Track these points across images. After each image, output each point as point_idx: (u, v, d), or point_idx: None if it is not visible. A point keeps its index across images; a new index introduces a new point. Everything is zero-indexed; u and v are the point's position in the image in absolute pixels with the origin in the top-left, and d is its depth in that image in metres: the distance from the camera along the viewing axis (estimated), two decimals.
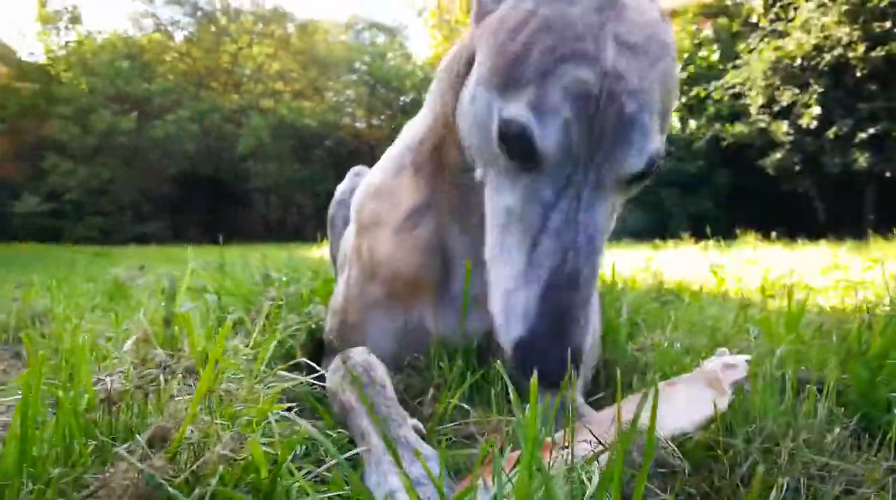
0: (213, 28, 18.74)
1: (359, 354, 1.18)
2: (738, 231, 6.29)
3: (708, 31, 12.01)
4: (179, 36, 19.39)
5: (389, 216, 1.38)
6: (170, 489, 0.57)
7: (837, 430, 0.85)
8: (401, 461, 0.79)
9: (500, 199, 1.03)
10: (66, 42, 17.05)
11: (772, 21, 10.41)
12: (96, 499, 0.58)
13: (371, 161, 2.49)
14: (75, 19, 17.00)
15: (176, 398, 0.87)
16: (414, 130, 1.42)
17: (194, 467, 0.61)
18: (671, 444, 0.79)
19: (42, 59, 16.92)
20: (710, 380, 0.92)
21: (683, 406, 0.89)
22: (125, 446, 0.64)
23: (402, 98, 18.48)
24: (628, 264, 4.27)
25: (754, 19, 10.92)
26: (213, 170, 17.56)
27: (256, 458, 0.59)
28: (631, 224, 12.14)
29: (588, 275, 0.95)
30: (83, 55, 16.74)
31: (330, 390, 1.13)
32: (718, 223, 7.84)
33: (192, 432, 0.65)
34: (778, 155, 9.98)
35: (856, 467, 0.80)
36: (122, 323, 1.48)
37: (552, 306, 0.92)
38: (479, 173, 1.08)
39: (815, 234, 6.81)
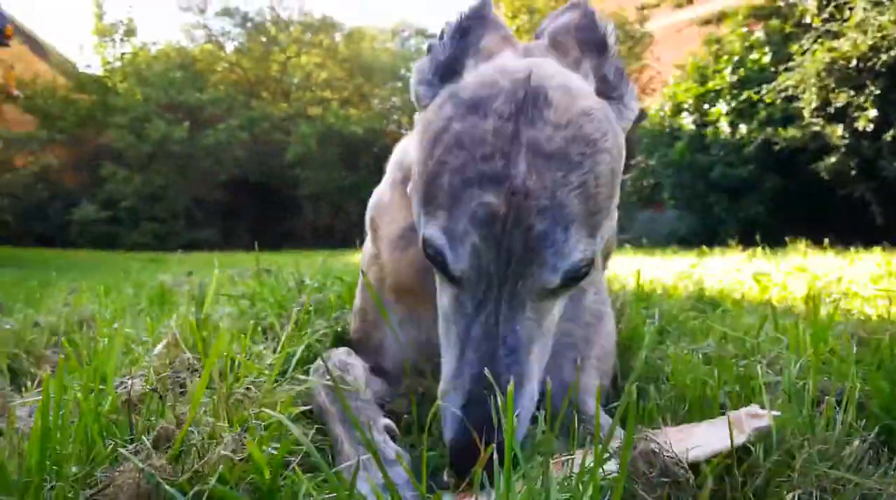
0: (262, 38, 19.16)
1: (337, 354, 1.22)
2: (787, 238, 6.12)
3: (759, 34, 11.72)
4: (230, 46, 19.88)
5: (388, 230, 1.43)
6: (167, 487, 0.59)
7: (856, 443, 0.83)
8: (365, 465, 0.85)
9: (442, 299, 1.06)
10: (122, 54, 17.62)
11: (825, 21, 10.12)
12: (104, 496, 0.61)
13: None
14: (130, 32, 17.58)
15: (199, 400, 0.90)
16: (403, 144, 1.44)
17: (197, 466, 0.63)
18: (678, 455, 0.78)
19: (99, 71, 17.52)
20: (731, 423, 0.89)
21: (700, 441, 0.87)
22: (132, 446, 0.67)
23: None
24: (672, 272, 4.20)
25: (807, 20, 10.62)
26: (263, 177, 17.90)
27: (256, 457, 0.61)
28: (680, 230, 11.94)
29: (511, 382, 0.92)
30: (138, 66, 17.29)
31: (311, 392, 1.15)
32: (768, 229, 7.64)
33: (193, 433, 0.67)
34: (832, 159, 9.67)
35: (871, 481, 0.77)
36: (157, 327, 1.52)
37: (474, 417, 0.92)
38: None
39: (870, 240, 6.57)
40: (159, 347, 1.10)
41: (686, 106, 12.03)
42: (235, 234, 17.63)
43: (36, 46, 17.29)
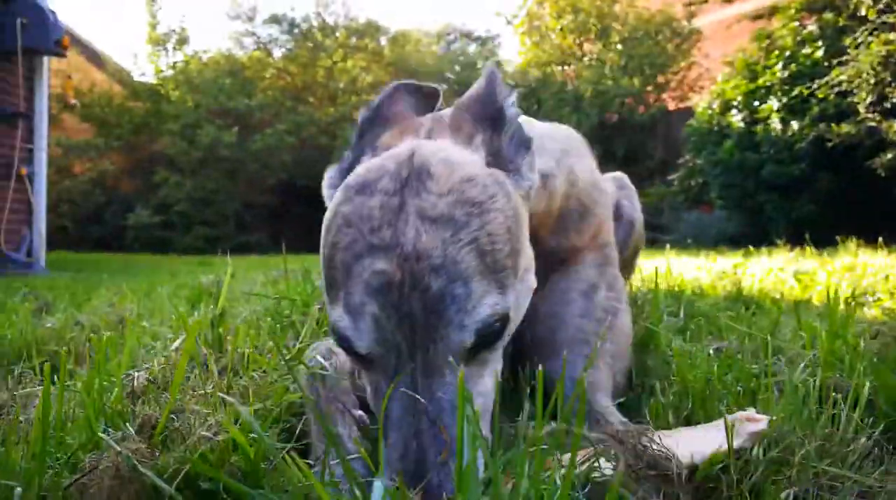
0: (309, 44, 19.44)
1: (324, 344, 1.24)
2: (839, 237, 5.93)
3: (812, 27, 11.37)
4: (278, 53, 20.23)
5: None
6: (143, 469, 0.61)
7: (863, 440, 0.80)
8: (328, 458, 0.85)
9: (363, 381, 1.05)
10: (174, 62, 18.08)
11: (881, 13, 9.76)
12: (88, 479, 0.63)
13: None
14: (182, 41, 18.04)
15: (197, 391, 0.92)
16: None
17: (179, 451, 0.65)
18: (665, 445, 0.77)
19: (153, 80, 18.02)
20: (728, 427, 0.88)
21: (693, 446, 0.85)
22: (119, 433, 0.69)
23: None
24: (714, 272, 4.12)
25: (862, 12, 10.27)
26: (310, 180, 18.10)
27: (233, 435, 0.62)
28: (728, 230, 11.67)
29: (439, 453, 0.91)
30: (189, 74, 17.72)
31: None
32: (820, 229, 7.41)
33: (174, 419, 0.69)
34: (889, 155, 9.32)
35: (870, 478, 0.75)
36: (181, 325, 1.57)
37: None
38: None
39: None
40: (177, 342, 1.14)
41: (735, 103, 11.74)
42: (284, 237, 17.90)
43: (93, 56, 17.91)
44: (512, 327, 1.07)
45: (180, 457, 0.63)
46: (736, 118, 11.57)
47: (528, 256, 1.13)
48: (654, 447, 0.77)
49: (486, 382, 1.03)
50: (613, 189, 2.52)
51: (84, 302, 2.83)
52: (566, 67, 17.99)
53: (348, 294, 0.99)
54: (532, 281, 1.13)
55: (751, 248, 5.77)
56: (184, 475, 0.62)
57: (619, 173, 2.69)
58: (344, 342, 1.00)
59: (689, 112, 13.92)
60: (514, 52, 25.20)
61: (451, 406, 0.94)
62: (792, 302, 2.72)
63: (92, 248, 15.23)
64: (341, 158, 1.28)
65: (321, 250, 1.11)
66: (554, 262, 1.40)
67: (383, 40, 19.96)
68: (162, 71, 18.13)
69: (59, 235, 14.66)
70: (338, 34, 19.69)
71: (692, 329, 1.73)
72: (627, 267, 2.53)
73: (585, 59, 17.70)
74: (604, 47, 17.16)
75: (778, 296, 2.80)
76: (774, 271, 4.01)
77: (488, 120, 1.21)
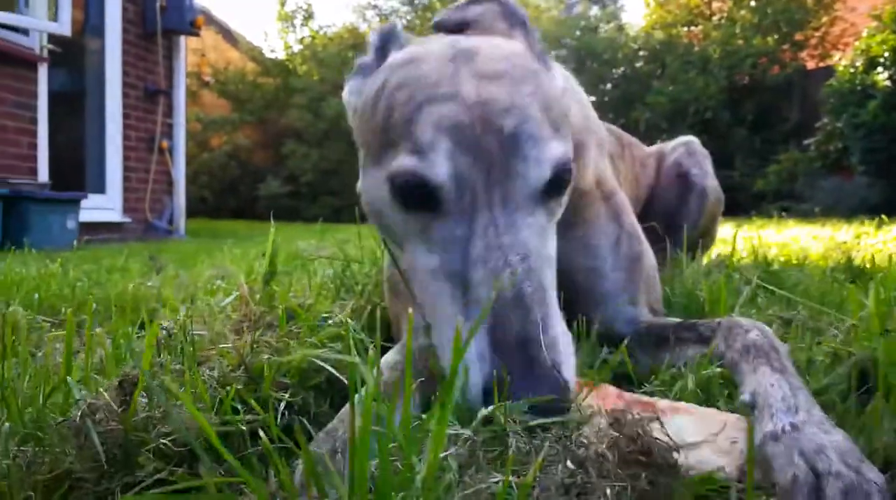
0: (428, 15, 19.58)
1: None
2: None
3: None
4: (399, 25, 20.49)
5: None
6: (93, 430, 0.71)
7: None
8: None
9: (421, 267, 0.97)
10: (301, 38, 18.78)
11: None
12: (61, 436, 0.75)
13: None
14: (309, 16, 18.71)
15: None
16: None
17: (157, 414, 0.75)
18: (669, 438, 0.75)
19: (282, 56, 18.82)
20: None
21: (687, 434, 0.82)
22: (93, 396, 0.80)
23: (614, 71, 17.94)
24: (835, 242, 3.88)
25: None
26: None
27: (187, 407, 0.69)
28: (870, 199, 10.79)
29: (534, 295, 0.87)
30: (315, 49, 18.34)
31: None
32: None
33: (153, 381, 0.79)
34: None
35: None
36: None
37: (505, 337, 0.83)
38: (402, 260, 1.04)
39: None
40: (229, 299, 1.26)
41: (882, 60, 10.75)
42: None
43: (228, 36, 18.94)
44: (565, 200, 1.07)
45: (151, 419, 0.74)
46: (882, 76, 10.61)
47: (568, 130, 1.13)
48: (655, 434, 0.74)
49: (552, 240, 1.02)
50: (677, 156, 2.43)
51: (198, 263, 3.09)
52: (693, 28, 17.10)
53: (415, 138, 0.96)
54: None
55: (884, 217, 5.34)
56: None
57: (688, 138, 2.61)
58: (407, 184, 0.95)
59: (829, 71, 12.88)
60: (636, 16, 24.19)
61: (536, 251, 0.92)
62: None
63: (229, 216, 16.26)
64: (360, 66, 1.27)
65: (362, 125, 1.10)
66: (568, 209, 1.37)
67: None
68: (290, 47, 18.89)
69: (199, 204, 15.79)
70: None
71: (760, 300, 1.68)
72: (705, 236, 2.46)
73: (714, 18, 16.74)
74: (735, 5, 16.14)
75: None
76: None
77: (518, 23, 1.27)
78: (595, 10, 19.55)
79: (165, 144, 8.43)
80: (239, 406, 0.84)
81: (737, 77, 15.29)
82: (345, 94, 1.30)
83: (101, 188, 7.53)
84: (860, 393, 0.90)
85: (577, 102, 1.50)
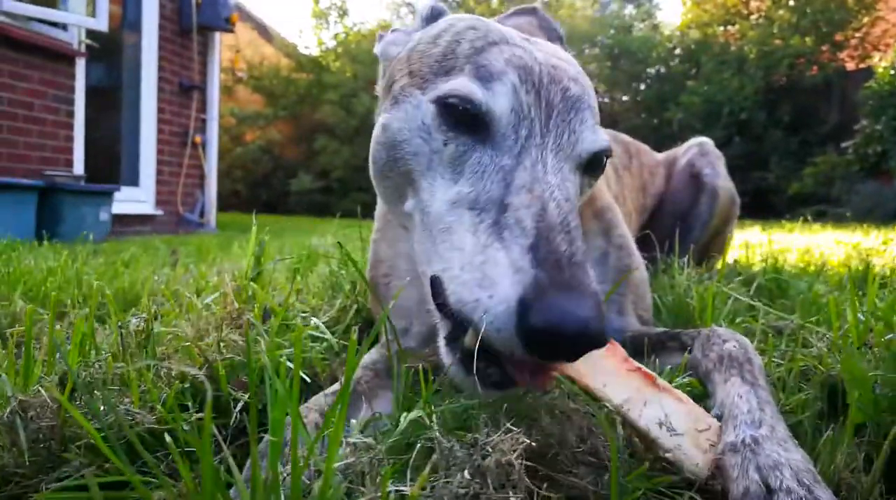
0: (462, 12, 19.56)
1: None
2: None
3: None
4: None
5: None
6: (21, 428, 0.74)
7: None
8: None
9: (439, 198, 0.91)
10: (335, 34, 18.92)
11: None
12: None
13: None
14: (343, 13, 18.84)
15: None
16: None
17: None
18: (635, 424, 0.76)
19: (315, 52, 18.99)
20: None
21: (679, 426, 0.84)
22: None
23: (648, 70, 17.75)
24: (860, 249, 3.80)
25: None
26: None
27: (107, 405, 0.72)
28: None
29: (579, 232, 0.82)
30: (348, 45, 18.46)
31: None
32: None
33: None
34: None
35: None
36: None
37: (550, 255, 0.75)
38: (407, 205, 0.99)
39: None
40: (213, 296, 1.29)
41: None
42: None
43: (263, 32, 19.18)
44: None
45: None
46: None
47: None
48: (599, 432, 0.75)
49: (578, 205, 0.99)
50: (690, 156, 2.41)
51: (215, 257, 3.15)
52: (729, 27, 16.84)
53: (482, 65, 0.94)
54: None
55: None
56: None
57: (702, 139, 2.58)
58: (463, 107, 0.91)
59: (869, 73, 12.58)
60: (671, 14, 23.87)
61: (574, 201, 0.89)
62: None
63: (260, 210, 16.40)
64: (400, 31, 1.26)
65: (410, 58, 1.05)
66: None
67: (537, 5, 19.67)
68: (324, 43, 19.06)
69: (232, 198, 16.02)
70: (493, 1, 19.63)
71: (759, 307, 1.67)
72: (717, 238, 2.44)
73: (752, 17, 16.46)
74: (773, 4, 15.85)
75: None
76: None
77: (555, 35, 1.35)
78: (630, 9, 19.35)
79: (199, 138, 8.57)
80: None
81: (773, 78, 15.02)
82: (380, 46, 1.27)
83: (134, 181, 7.69)
84: (830, 411, 0.90)
85: None
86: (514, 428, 0.69)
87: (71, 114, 6.49)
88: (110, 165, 7.68)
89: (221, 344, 1.01)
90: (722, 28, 16.88)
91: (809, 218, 5.05)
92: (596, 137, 0.96)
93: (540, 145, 0.90)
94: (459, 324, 0.81)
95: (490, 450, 0.65)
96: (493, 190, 0.86)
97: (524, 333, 0.70)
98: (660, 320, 1.54)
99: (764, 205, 13.06)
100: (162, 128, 8.03)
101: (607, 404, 0.82)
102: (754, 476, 0.73)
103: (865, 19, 15.00)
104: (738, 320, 1.37)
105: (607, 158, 1.01)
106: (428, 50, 1.04)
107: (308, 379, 1.03)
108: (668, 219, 2.34)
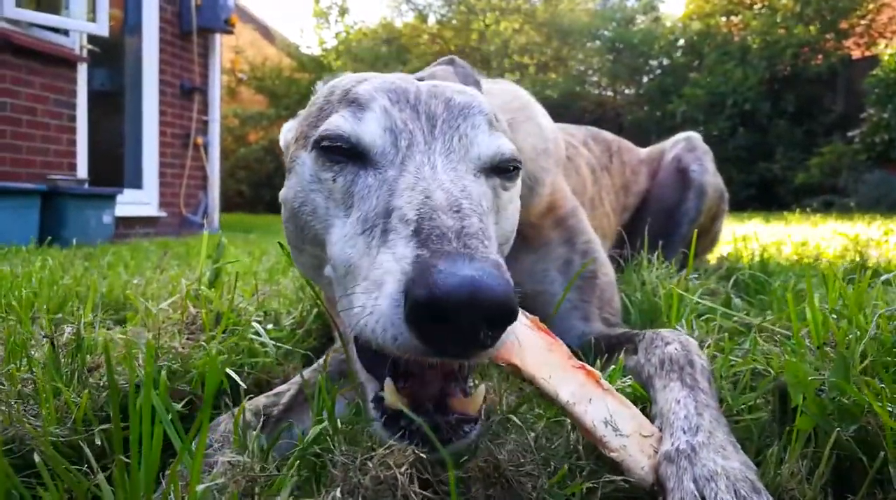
0: (463, 8, 19.55)
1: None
2: None
3: None
4: (433, 19, 20.56)
5: None
6: None
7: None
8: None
9: (338, 240, 0.89)
10: (336, 33, 18.94)
11: None
12: None
13: (615, 130, 2.55)
14: (343, 12, 18.86)
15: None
16: None
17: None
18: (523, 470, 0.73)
19: (317, 51, 19.01)
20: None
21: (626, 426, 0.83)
22: None
23: (650, 62, 17.69)
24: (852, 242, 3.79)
25: None
26: None
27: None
28: None
29: (474, 213, 0.77)
30: (349, 44, 18.48)
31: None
32: None
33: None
34: None
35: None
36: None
37: (434, 229, 0.71)
38: (326, 270, 0.95)
39: None
40: (169, 301, 1.31)
41: None
42: None
43: (265, 33, 19.21)
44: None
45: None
46: None
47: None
48: (509, 468, 0.72)
49: (507, 212, 0.99)
50: (677, 151, 2.40)
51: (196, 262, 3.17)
52: (732, 18, 16.75)
53: (351, 101, 0.93)
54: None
55: None
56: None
57: (689, 133, 2.56)
58: (335, 142, 0.90)
59: (875, 61, 12.49)
60: (673, 5, 23.71)
61: (478, 196, 0.85)
62: None
63: (265, 210, 16.50)
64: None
65: (302, 121, 1.08)
66: (514, 241, 1.23)
67: (537, 0, 19.64)
68: (325, 42, 19.08)
69: (237, 198, 16.05)
70: None
71: (735, 302, 1.67)
72: (705, 236, 2.43)
73: (755, 7, 16.37)
74: None
75: None
76: None
77: (472, 85, 1.29)
78: (631, 2, 19.28)
79: (200, 140, 8.60)
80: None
81: (777, 68, 14.95)
82: (282, 139, 1.33)
83: (137, 184, 7.72)
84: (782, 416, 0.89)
85: (526, 137, 1.43)
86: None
87: (73, 118, 6.53)
88: (113, 167, 7.72)
89: (159, 351, 1.03)
90: (724, 18, 16.80)
91: (813, 209, 5.02)
92: (493, 140, 0.94)
93: (425, 151, 0.87)
94: (374, 356, 0.78)
95: (371, 466, 0.63)
96: (380, 203, 0.83)
97: (411, 316, 0.64)
98: (629, 320, 1.54)
99: (770, 196, 13.01)
100: (164, 130, 8.06)
101: (553, 398, 0.81)
102: (690, 487, 0.70)
103: (871, 6, 14.89)
104: (702, 318, 1.37)
105: (516, 168, 0.98)
106: (308, 113, 1.08)
107: (243, 385, 1.05)
108: (653, 216, 2.33)
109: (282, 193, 1.07)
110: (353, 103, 0.93)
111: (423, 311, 0.62)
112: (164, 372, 0.95)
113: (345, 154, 0.91)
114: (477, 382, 0.81)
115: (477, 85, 1.34)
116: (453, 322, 0.61)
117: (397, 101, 0.92)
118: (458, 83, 1.16)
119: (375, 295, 0.70)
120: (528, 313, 0.88)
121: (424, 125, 0.89)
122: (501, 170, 0.95)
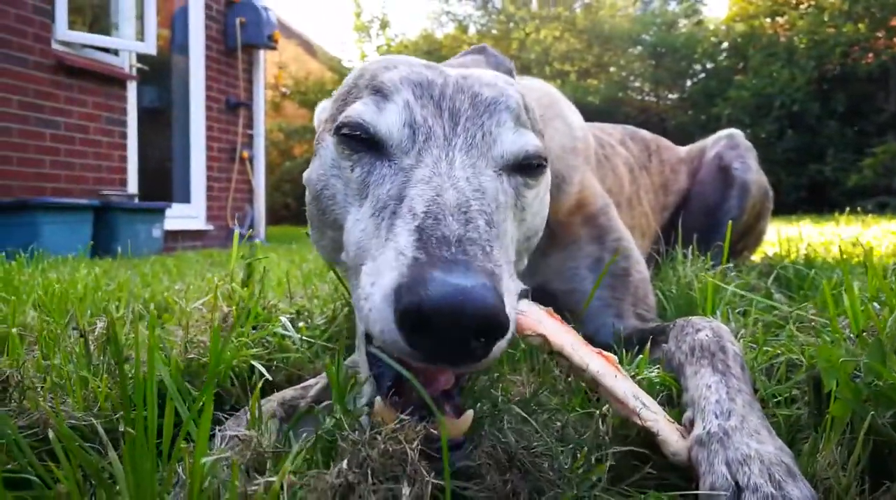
0: (502, 18, 19.61)
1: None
2: None
3: None
4: (473, 30, 20.66)
5: None
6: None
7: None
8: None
9: (353, 226, 0.90)
10: (378, 46, 19.18)
11: None
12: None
13: (659, 134, 2.54)
14: (384, 25, 19.10)
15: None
16: None
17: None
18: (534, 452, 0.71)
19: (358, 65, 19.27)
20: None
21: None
22: None
23: (693, 66, 17.46)
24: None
25: None
26: None
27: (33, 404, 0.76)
28: None
29: (481, 215, 0.78)
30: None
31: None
32: None
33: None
34: None
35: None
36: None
37: (437, 232, 0.71)
38: (343, 255, 0.95)
39: None
40: (202, 300, 1.34)
41: None
42: None
43: (307, 48, 19.54)
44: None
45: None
46: None
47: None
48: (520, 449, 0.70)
49: (530, 211, 0.97)
50: (718, 149, 2.35)
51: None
52: (777, 19, 16.42)
53: (376, 89, 0.94)
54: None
55: None
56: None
57: (731, 130, 2.51)
58: (355, 131, 0.91)
59: None
60: (716, 9, 23.37)
61: (493, 194, 0.85)
62: None
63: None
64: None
65: (331, 104, 1.09)
66: (543, 238, 1.21)
67: (577, 7, 19.58)
68: (366, 56, 19.32)
69: (283, 211, 16.32)
70: (534, 6, 19.61)
71: (776, 297, 1.63)
72: (749, 234, 2.38)
73: (801, 7, 16.03)
74: None
75: None
76: None
77: (504, 70, 1.32)
78: (673, 6, 19.06)
79: (246, 154, 8.78)
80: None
81: (826, 67, 14.59)
82: (315, 117, 1.33)
83: (185, 198, 7.93)
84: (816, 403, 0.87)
85: (553, 135, 1.42)
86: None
87: (124, 135, 6.74)
88: (162, 182, 7.94)
89: (188, 346, 1.06)
90: (769, 20, 16.48)
91: (867, 210, 4.89)
92: (518, 138, 0.93)
93: (444, 146, 0.87)
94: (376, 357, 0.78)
95: (379, 439, 0.63)
96: (394, 187, 0.84)
97: (399, 320, 0.65)
98: (665, 316, 1.52)
99: (821, 199, 12.67)
100: (211, 145, 8.26)
101: (582, 369, 0.80)
102: (722, 471, 0.69)
103: None
104: (738, 311, 1.35)
105: (541, 165, 0.97)
106: (339, 94, 1.08)
107: (268, 377, 1.07)
108: (694, 215, 2.29)
109: (306, 174, 1.08)
110: (378, 92, 0.94)
111: (413, 318, 0.63)
112: (175, 353, 0.98)
113: (363, 143, 0.92)
114: (469, 403, 0.80)
115: (510, 73, 1.34)
116: (441, 333, 0.62)
117: (421, 95, 0.92)
118: (490, 70, 1.15)
119: (373, 281, 0.71)
120: (542, 306, 0.88)
121: (446, 122, 0.89)
122: (525, 167, 0.95)
